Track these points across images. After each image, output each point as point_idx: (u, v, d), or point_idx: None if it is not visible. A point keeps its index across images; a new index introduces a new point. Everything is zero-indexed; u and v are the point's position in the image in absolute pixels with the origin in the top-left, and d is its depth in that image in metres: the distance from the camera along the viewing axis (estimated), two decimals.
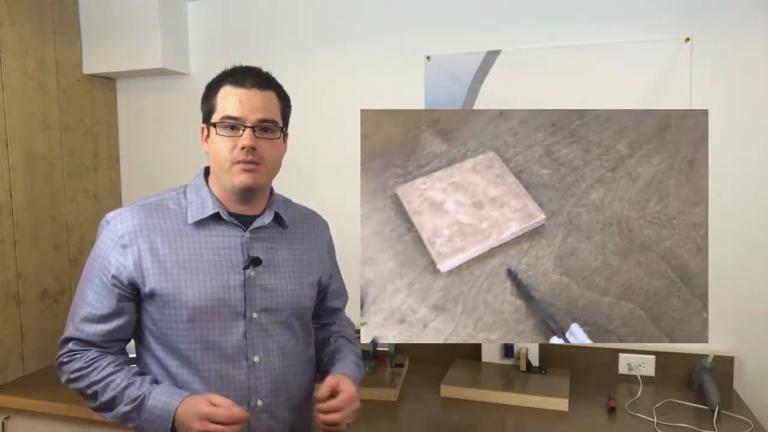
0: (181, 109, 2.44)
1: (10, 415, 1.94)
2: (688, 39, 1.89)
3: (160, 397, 1.10)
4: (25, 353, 2.09)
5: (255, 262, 1.19)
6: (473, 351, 2.13)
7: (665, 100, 1.92)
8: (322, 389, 1.16)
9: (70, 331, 1.20)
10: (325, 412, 1.14)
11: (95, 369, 1.15)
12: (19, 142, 2.05)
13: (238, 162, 1.14)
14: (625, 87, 1.95)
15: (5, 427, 1.94)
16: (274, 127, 1.17)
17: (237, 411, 1.07)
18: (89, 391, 1.16)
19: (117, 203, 2.53)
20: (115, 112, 2.53)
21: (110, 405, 1.14)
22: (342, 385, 1.18)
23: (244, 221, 1.21)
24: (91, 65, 2.33)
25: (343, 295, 1.47)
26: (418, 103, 2.16)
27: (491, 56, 2.07)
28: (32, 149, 2.11)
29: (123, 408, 1.12)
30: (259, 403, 1.19)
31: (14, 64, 2.03)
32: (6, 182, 2.01)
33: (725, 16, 1.86)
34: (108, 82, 2.48)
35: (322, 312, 1.42)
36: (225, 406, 1.07)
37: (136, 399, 1.11)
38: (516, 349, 2.01)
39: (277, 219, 1.26)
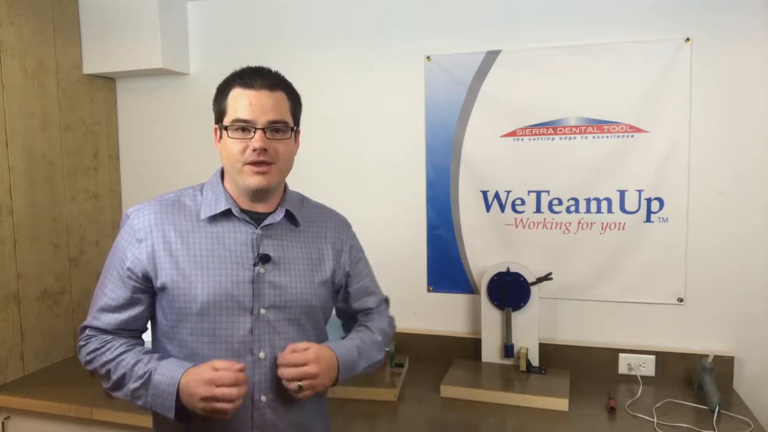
0: (181, 109, 2.44)
1: (10, 415, 1.94)
2: (688, 39, 1.89)
3: (165, 372, 1.13)
4: (25, 353, 2.09)
5: (264, 259, 1.20)
6: (473, 351, 2.14)
7: (665, 100, 1.92)
8: (286, 348, 1.17)
9: (88, 319, 1.24)
10: (278, 363, 1.16)
11: (108, 349, 1.19)
12: (19, 142, 2.05)
13: (250, 163, 1.16)
14: (625, 87, 1.95)
15: (5, 427, 1.94)
16: (284, 128, 1.19)
17: (242, 375, 1.10)
18: (103, 371, 1.19)
19: (117, 203, 2.54)
20: (115, 112, 2.53)
21: (121, 383, 1.17)
22: (307, 347, 1.18)
23: (256, 218, 1.23)
24: (91, 65, 2.33)
25: (372, 294, 1.43)
26: (418, 103, 2.16)
27: (491, 56, 2.07)
28: (32, 149, 2.11)
29: (132, 385, 1.15)
30: (263, 398, 1.20)
31: (14, 64, 2.03)
32: (6, 182, 2.01)
33: (725, 16, 1.86)
34: (108, 82, 2.48)
35: (352, 312, 1.42)
36: (227, 368, 1.09)
37: (143, 375, 1.14)
38: (516, 349, 2.01)
39: (289, 217, 1.27)
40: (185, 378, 1.11)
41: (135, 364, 1.16)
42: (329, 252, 1.31)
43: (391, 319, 1.48)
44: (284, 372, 1.15)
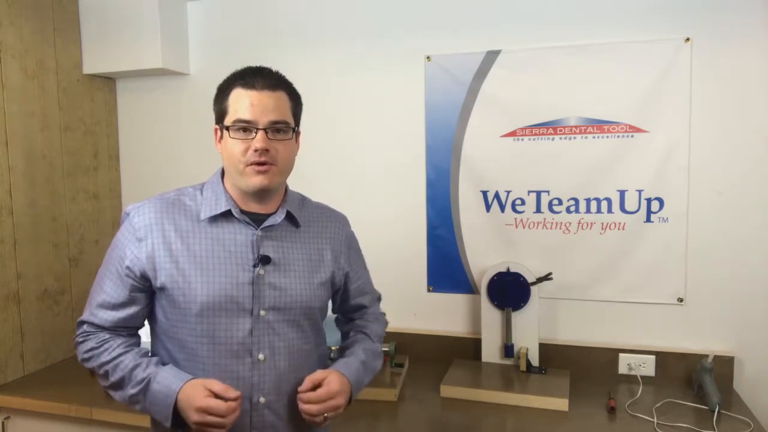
0: (181, 109, 2.44)
1: (10, 415, 1.94)
2: (688, 39, 1.89)
3: (163, 381, 1.14)
4: (25, 353, 2.09)
5: (264, 260, 1.21)
6: (473, 351, 2.14)
7: (665, 100, 1.92)
8: (305, 382, 1.18)
9: (86, 315, 1.24)
10: (303, 401, 1.17)
11: (106, 350, 1.19)
12: (19, 142, 2.05)
13: (252, 164, 1.16)
14: (625, 87, 1.95)
15: (5, 427, 1.94)
16: (286, 128, 1.19)
17: (233, 404, 1.10)
18: (101, 371, 1.20)
19: (117, 203, 2.54)
20: (115, 112, 2.53)
21: (119, 385, 1.18)
22: (327, 380, 1.19)
23: (256, 219, 1.23)
24: (91, 65, 2.33)
25: (368, 293, 1.45)
26: (418, 103, 2.16)
27: (491, 56, 2.07)
28: (32, 149, 2.11)
29: (130, 390, 1.16)
30: (262, 399, 1.20)
31: (14, 64, 2.03)
32: (6, 182, 2.01)
33: (725, 16, 1.86)
34: (108, 82, 2.48)
35: (347, 308, 1.44)
36: (222, 392, 1.10)
37: (141, 381, 1.15)
38: (516, 349, 2.01)
39: (290, 218, 1.27)
40: (182, 394, 1.11)
41: (133, 369, 1.16)
42: (329, 254, 1.32)
43: (384, 318, 1.50)
44: (311, 409, 1.15)
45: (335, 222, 1.37)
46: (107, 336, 1.21)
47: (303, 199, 1.35)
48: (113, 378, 1.17)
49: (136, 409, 1.18)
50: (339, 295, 1.40)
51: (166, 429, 1.22)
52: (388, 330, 2.16)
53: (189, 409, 1.09)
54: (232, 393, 1.11)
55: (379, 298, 1.51)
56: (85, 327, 1.23)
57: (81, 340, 1.23)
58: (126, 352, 1.19)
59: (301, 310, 1.24)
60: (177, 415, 1.13)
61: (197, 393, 1.10)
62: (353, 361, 1.29)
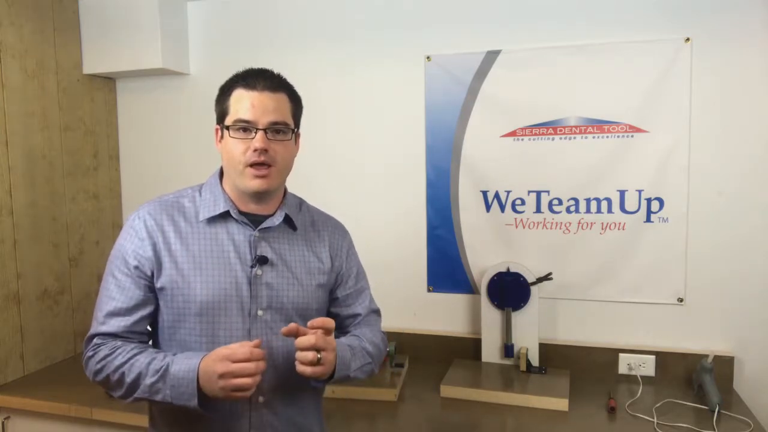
0: (181, 109, 2.44)
1: (10, 415, 1.94)
2: (688, 39, 1.89)
3: (182, 361, 1.12)
4: (25, 353, 2.09)
5: (262, 260, 1.21)
6: (473, 351, 2.14)
7: (665, 100, 1.92)
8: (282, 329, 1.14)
9: (95, 328, 1.21)
10: (296, 332, 1.12)
11: (120, 354, 1.17)
12: (19, 142, 2.05)
13: (251, 164, 1.17)
14: (625, 87, 1.95)
15: (5, 427, 1.94)
16: (285, 129, 1.20)
17: (256, 350, 1.08)
18: (116, 376, 1.16)
19: (117, 203, 2.54)
20: (115, 112, 2.53)
21: (137, 383, 1.14)
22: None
23: (254, 220, 1.24)
24: (91, 65, 2.33)
25: (362, 301, 1.39)
26: (418, 103, 2.16)
27: (491, 56, 2.07)
28: (32, 149, 2.11)
29: (149, 380, 1.13)
30: (261, 399, 1.20)
31: (14, 64, 2.03)
32: (6, 182, 2.01)
33: (725, 16, 1.86)
34: (108, 82, 2.48)
35: (343, 320, 1.38)
36: (242, 345, 1.09)
37: (159, 370, 1.13)
38: (516, 349, 2.01)
39: (287, 221, 1.27)
40: (203, 363, 1.10)
41: (150, 363, 1.14)
42: (326, 256, 1.32)
43: (383, 335, 1.41)
44: (301, 341, 1.10)
45: (334, 228, 1.37)
46: (119, 343, 1.19)
47: (301, 203, 1.35)
48: (129, 378, 1.14)
49: (157, 399, 1.14)
50: (332, 300, 1.36)
51: (165, 430, 1.22)
52: (388, 330, 2.15)
53: (213, 364, 1.07)
54: (252, 342, 1.10)
55: (377, 312, 1.44)
56: (95, 340, 1.21)
57: (92, 353, 1.20)
58: (140, 352, 1.17)
59: (297, 311, 1.24)
60: (200, 396, 1.10)
61: (218, 350, 1.09)
62: (340, 339, 1.25)
